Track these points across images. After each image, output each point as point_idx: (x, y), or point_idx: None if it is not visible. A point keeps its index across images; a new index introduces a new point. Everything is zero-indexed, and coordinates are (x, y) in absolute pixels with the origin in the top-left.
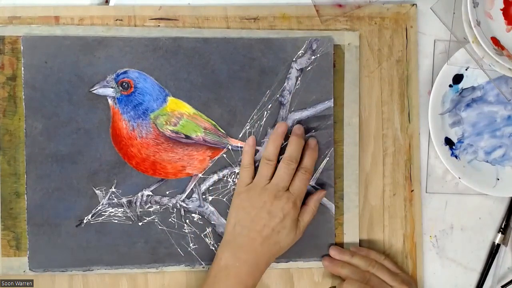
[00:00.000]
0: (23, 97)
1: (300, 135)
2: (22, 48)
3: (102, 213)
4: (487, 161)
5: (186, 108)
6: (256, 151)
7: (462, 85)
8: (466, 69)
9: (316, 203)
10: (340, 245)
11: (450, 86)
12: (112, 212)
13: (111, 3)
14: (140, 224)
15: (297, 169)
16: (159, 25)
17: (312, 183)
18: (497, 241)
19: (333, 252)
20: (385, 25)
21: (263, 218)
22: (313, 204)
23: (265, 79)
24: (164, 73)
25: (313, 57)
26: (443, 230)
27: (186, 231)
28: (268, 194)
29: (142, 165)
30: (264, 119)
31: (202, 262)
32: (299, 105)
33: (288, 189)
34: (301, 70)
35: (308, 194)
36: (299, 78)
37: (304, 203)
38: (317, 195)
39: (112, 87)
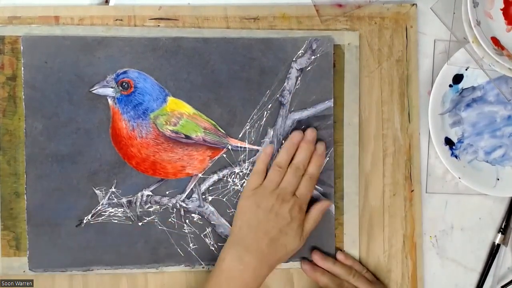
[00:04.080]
0: (23, 97)
1: (311, 141)
2: (22, 48)
3: (102, 213)
4: (487, 161)
5: (186, 108)
6: (256, 151)
7: (462, 85)
8: (466, 69)
9: (319, 213)
10: (340, 245)
11: (450, 86)
12: (112, 212)
13: (111, 3)
14: (140, 224)
15: (303, 174)
16: (159, 25)
17: None
18: (497, 241)
19: (316, 257)
20: (385, 25)
21: (271, 219)
22: (316, 213)
23: (265, 79)
24: (164, 73)
25: (313, 57)
26: (443, 230)
27: (186, 231)
28: (277, 197)
29: (142, 165)
30: (264, 119)
31: (202, 262)
32: (299, 105)
33: (294, 193)
34: (301, 70)
35: (312, 202)
36: (299, 78)
37: (307, 211)
38: (320, 204)
39: (112, 87)
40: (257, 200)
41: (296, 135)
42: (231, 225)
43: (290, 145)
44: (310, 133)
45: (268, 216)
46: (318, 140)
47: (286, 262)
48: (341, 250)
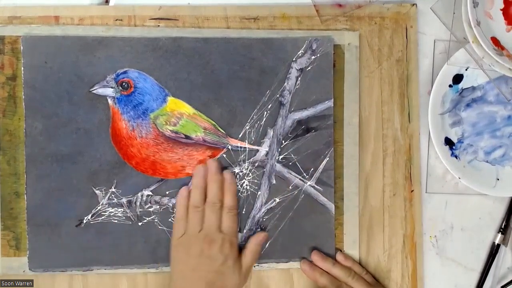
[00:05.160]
0: (23, 97)
1: (216, 171)
2: (22, 48)
3: (102, 213)
4: (487, 161)
5: (186, 108)
6: (256, 151)
7: (462, 85)
8: (466, 69)
9: (256, 246)
10: (340, 245)
11: (450, 86)
12: (112, 212)
13: (111, 3)
14: (140, 224)
15: (222, 209)
16: (159, 25)
17: (312, 183)
18: (497, 241)
19: (315, 257)
20: (385, 25)
21: (204, 264)
22: (252, 246)
23: (265, 79)
24: (164, 73)
25: (313, 57)
26: (443, 230)
27: None
28: (203, 240)
29: (142, 165)
30: (264, 119)
31: None
32: (299, 105)
33: (221, 231)
34: (301, 70)
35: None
36: (299, 78)
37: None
38: (256, 236)
39: (112, 87)
40: (185, 248)
41: (200, 170)
42: None
43: (198, 181)
44: (212, 164)
45: (200, 261)
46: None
47: (286, 262)
48: (340, 251)
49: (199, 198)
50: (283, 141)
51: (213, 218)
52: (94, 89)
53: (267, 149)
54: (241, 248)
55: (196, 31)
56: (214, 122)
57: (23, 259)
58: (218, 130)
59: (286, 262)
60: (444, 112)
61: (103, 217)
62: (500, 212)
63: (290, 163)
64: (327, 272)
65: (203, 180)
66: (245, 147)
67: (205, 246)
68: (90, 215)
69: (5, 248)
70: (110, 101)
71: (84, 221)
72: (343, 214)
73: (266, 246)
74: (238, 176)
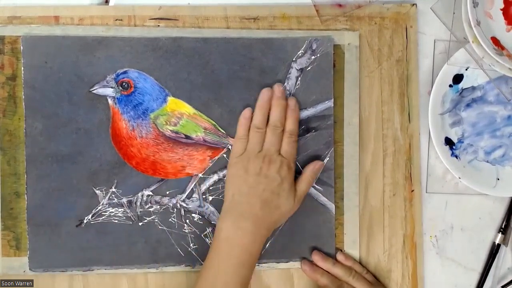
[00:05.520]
0: (23, 97)
1: (281, 96)
2: (22, 48)
3: (102, 213)
4: (487, 161)
5: (186, 108)
6: None
7: (462, 85)
8: (466, 69)
9: (312, 174)
10: (340, 245)
11: (450, 86)
12: (112, 212)
13: (111, 3)
14: (140, 224)
15: (283, 133)
16: (159, 25)
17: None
18: (497, 241)
19: (316, 257)
20: (385, 25)
21: (261, 182)
22: (309, 173)
23: (265, 79)
24: (164, 73)
25: (313, 57)
26: (443, 230)
27: (186, 231)
28: (263, 159)
29: (142, 165)
30: None
31: (202, 262)
32: (299, 105)
33: (280, 153)
34: (301, 70)
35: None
36: (299, 78)
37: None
38: (313, 164)
39: (112, 87)
40: (244, 165)
41: (265, 93)
42: None
43: (262, 103)
44: (278, 89)
45: (257, 180)
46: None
47: (286, 262)
48: (341, 251)
49: (262, 120)
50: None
51: (274, 140)
52: (94, 89)
53: None
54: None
55: (196, 31)
56: (214, 122)
57: (23, 259)
58: (218, 130)
59: (286, 262)
60: (444, 112)
61: (103, 217)
62: (500, 212)
63: None
64: (327, 272)
65: (267, 103)
66: None
67: (264, 165)
68: (90, 215)
69: (5, 248)
70: (110, 101)
71: (85, 221)
72: (343, 214)
73: (267, 246)
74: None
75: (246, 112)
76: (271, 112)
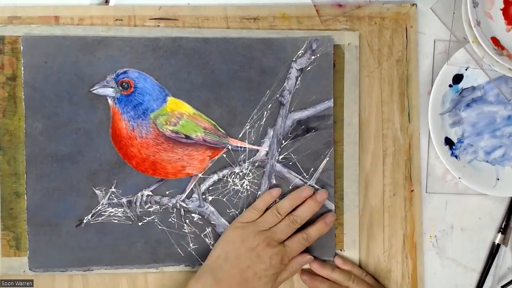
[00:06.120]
0: (23, 97)
1: (320, 202)
2: (22, 48)
3: (102, 213)
4: (487, 161)
5: (186, 108)
6: (256, 151)
7: (462, 85)
8: (466, 69)
9: (298, 266)
10: (340, 245)
11: (450, 86)
12: (112, 212)
13: (111, 3)
14: (140, 224)
15: (300, 229)
16: (159, 25)
17: (312, 183)
18: (497, 241)
19: (314, 265)
20: (385, 25)
21: (250, 259)
22: (295, 265)
23: (265, 79)
24: (164, 73)
25: (313, 57)
26: (443, 230)
27: (186, 231)
28: (263, 239)
29: (142, 165)
30: (264, 119)
31: (202, 262)
32: (299, 105)
33: (283, 243)
34: (301, 70)
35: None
36: (299, 78)
37: None
38: (302, 257)
39: (112, 87)
40: (244, 234)
41: (306, 190)
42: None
43: (297, 197)
44: (321, 195)
45: (248, 255)
46: (328, 211)
47: None
48: (337, 255)
49: (287, 209)
50: (283, 141)
51: (286, 230)
52: (94, 89)
53: (267, 149)
54: None
55: (196, 31)
56: (214, 122)
57: (23, 259)
58: (218, 130)
59: None
60: (444, 112)
61: (103, 217)
62: (500, 212)
63: (290, 163)
64: (327, 279)
65: (300, 199)
66: (245, 147)
67: (262, 244)
68: (90, 215)
69: (5, 248)
70: (110, 101)
71: (84, 221)
72: (343, 214)
73: None
74: (238, 176)
75: (275, 191)
76: (301, 206)
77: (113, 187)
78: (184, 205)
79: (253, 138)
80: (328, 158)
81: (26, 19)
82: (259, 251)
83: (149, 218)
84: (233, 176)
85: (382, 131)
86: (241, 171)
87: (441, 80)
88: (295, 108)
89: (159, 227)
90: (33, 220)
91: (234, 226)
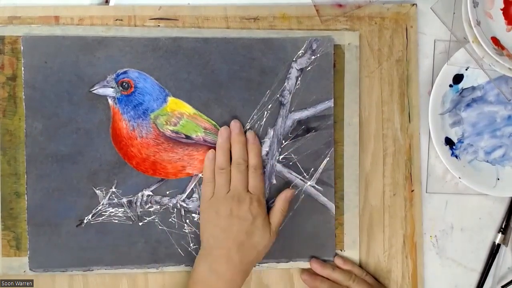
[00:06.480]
0: (23, 97)
1: (239, 133)
2: (22, 48)
3: (103, 213)
4: (487, 161)
5: (186, 108)
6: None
7: (462, 85)
8: (466, 69)
9: (284, 203)
10: (340, 245)
11: (450, 86)
12: (113, 212)
13: (111, 3)
14: (140, 224)
15: (248, 169)
16: (159, 25)
17: (313, 183)
18: (497, 241)
19: (314, 265)
20: (385, 25)
21: (234, 224)
22: (280, 204)
23: (265, 79)
24: (164, 73)
25: (313, 57)
26: (443, 230)
27: (186, 231)
28: (232, 200)
29: (142, 165)
30: (264, 119)
31: None
32: (299, 105)
33: (248, 190)
34: (301, 70)
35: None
36: (299, 78)
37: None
38: (284, 194)
39: (112, 87)
40: (214, 208)
41: (223, 132)
42: None
43: (222, 143)
44: (235, 125)
45: (230, 222)
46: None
47: (286, 262)
48: (337, 255)
49: (224, 160)
50: (283, 141)
51: (240, 178)
52: (94, 89)
53: (267, 149)
54: (269, 208)
55: (196, 31)
56: (214, 122)
57: (23, 259)
58: (218, 130)
59: (286, 262)
60: (444, 112)
61: (103, 217)
62: (500, 212)
63: (291, 163)
64: (327, 278)
65: (227, 142)
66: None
67: (233, 206)
68: (90, 215)
69: (6, 248)
70: (110, 101)
71: (85, 221)
72: (343, 214)
73: None
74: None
75: (209, 153)
76: (232, 150)
77: (113, 187)
78: (185, 205)
79: None
80: (328, 158)
81: (26, 19)
82: (236, 212)
83: (150, 218)
84: None
85: (382, 131)
86: None
87: (441, 80)
88: (295, 108)
89: (160, 227)
90: (33, 220)
91: (203, 208)
